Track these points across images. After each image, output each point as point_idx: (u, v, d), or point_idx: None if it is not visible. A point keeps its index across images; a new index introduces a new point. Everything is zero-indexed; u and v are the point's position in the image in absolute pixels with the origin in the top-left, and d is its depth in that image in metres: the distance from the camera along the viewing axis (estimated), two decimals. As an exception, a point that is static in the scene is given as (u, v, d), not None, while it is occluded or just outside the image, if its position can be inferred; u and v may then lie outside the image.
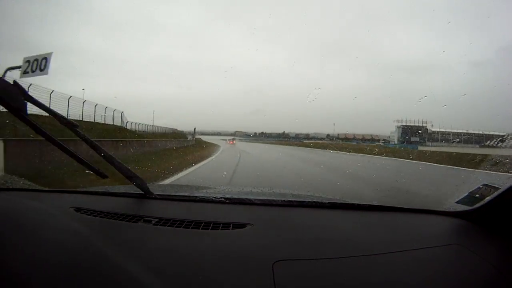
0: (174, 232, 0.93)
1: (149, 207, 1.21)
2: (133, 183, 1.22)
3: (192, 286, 0.65)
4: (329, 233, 0.99)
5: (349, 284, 0.69)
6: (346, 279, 0.70)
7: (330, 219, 1.12)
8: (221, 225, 0.97)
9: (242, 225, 0.97)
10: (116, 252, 0.76)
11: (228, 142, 29.43)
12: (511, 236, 0.86)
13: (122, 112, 17.84)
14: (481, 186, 1.08)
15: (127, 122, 18.38)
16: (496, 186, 0.99)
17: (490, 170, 5.78)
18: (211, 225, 0.97)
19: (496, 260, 0.79)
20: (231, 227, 0.96)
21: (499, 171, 5.46)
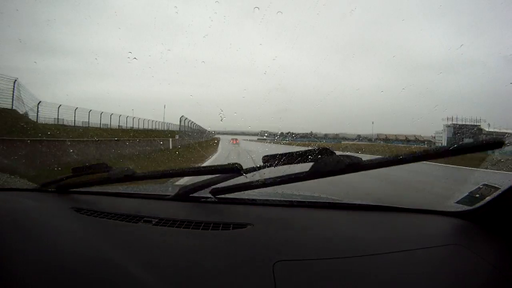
0: (174, 232, 0.93)
1: (149, 207, 1.21)
2: (106, 165, 1.21)
3: (192, 287, 0.65)
4: (329, 233, 0.99)
5: (350, 284, 0.69)
6: (347, 279, 0.70)
7: (330, 219, 1.12)
8: (221, 225, 0.97)
9: (242, 225, 0.97)
10: (116, 252, 0.76)
11: (231, 141, 26.01)
12: (511, 236, 0.86)
13: (16, 80, 9.88)
14: (481, 186, 1.08)
15: (39, 103, 11.13)
16: (496, 186, 0.99)
17: None
18: (211, 225, 0.97)
19: (496, 260, 0.79)
20: (231, 227, 0.96)
21: None
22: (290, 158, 1.06)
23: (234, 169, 1.11)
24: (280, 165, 1.08)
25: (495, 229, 0.93)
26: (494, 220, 0.94)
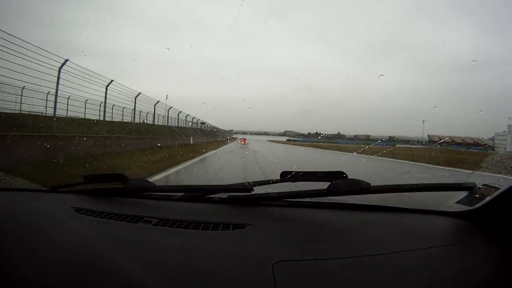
0: (174, 232, 0.93)
1: (149, 207, 1.21)
2: (123, 176, 1.22)
3: (192, 287, 0.65)
4: (329, 233, 0.99)
5: (350, 284, 0.69)
6: (347, 280, 0.70)
7: (330, 219, 1.12)
8: (221, 225, 0.97)
9: (242, 226, 0.97)
10: (116, 252, 0.76)
11: (239, 142, 20.68)
12: (511, 236, 0.86)
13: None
14: (481, 186, 1.08)
15: (23, 88, 8.41)
16: (496, 186, 0.99)
17: None
18: (211, 225, 0.97)
19: (496, 260, 0.79)
20: (231, 228, 0.96)
21: None
22: (307, 176, 1.16)
23: (247, 189, 1.20)
24: (297, 181, 1.17)
25: (495, 229, 0.93)
26: (494, 220, 0.94)
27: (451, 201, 1.18)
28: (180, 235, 0.91)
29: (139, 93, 12.76)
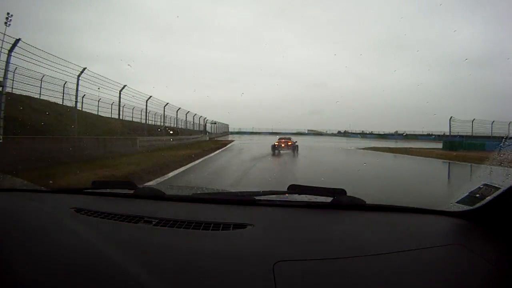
0: (175, 232, 0.93)
1: (150, 207, 1.21)
2: (133, 184, 1.23)
3: (192, 287, 0.65)
4: (330, 233, 0.99)
5: (350, 284, 0.69)
6: (347, 279, 0.70)
7: (330, 219, 1.12)
8: (221, 225, 0.97)
9: (242, 226, 0.97)
10: (116, 253, 0.76)
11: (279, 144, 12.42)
12: (511, 236, 0.86)
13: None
14: (481, 186, 1.08)
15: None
16: (496, 186, 0.99)
17: None
18: (212, 225, 0.97)
19: (496, 260, 0.79)
20: (231, 228, 0.96)
21: None
22: (312, 191, 1.26)
23: (250, 202, 1.24)
24: (302, 194, 1.28)
25: (495, 229, 0.93)
26: (495, 220, 0.94)
27: (451, 200, 1.18)
28: (180, 236, 0.91)
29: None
